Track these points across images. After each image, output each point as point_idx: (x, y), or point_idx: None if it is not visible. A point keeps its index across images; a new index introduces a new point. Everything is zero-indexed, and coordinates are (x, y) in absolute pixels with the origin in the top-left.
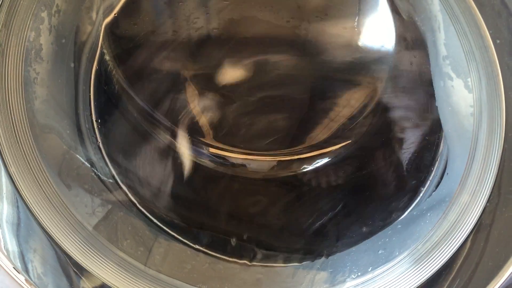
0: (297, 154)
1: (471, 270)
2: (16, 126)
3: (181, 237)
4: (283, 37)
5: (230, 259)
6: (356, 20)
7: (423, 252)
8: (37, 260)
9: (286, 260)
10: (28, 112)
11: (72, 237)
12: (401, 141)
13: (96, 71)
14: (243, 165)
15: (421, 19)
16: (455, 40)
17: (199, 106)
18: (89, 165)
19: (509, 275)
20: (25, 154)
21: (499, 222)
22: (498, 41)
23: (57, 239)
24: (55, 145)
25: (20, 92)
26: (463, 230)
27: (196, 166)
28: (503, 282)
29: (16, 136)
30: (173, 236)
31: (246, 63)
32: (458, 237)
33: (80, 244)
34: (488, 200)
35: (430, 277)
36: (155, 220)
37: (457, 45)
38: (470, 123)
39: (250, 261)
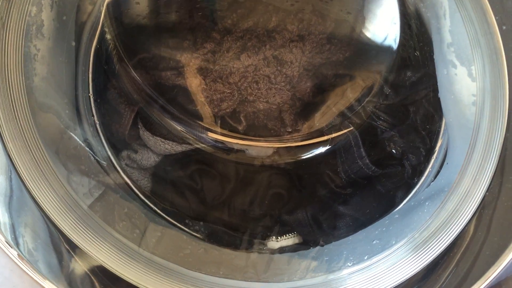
0: (296, 141)
1: (470, 259)
2: (14, 102)
3: (177, 222)
4: (286, 20)
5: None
6: (361, 5)
7: (420, 241)
8: (28, 234)
9: (281, 249)
10: (27, 89)
11: (66, 215)
12: (400, 130)
13: (97, 50)
14: (242, 151)
15: (426, 6)
16: (460, 27)
17: (199, 89)
18: (86, 146)
19: (507, 263)
20: (23, 131)
21: (498, 211)
22: (504, 27)
23: (50, 215)
24: (53, 124)
25: (20, 67)
26: (461, 220)
27: (194, 150)
28: (500, 271)
29: (14, 112)
30: (169, 221)
31: (247, 47)
32: (456, 227)
33: (74, 222)
34: (488, 190)
35: (427, 265)
36: (151, 205)
37: (462, 32)
38: (472, 112)
39: (246, 249)
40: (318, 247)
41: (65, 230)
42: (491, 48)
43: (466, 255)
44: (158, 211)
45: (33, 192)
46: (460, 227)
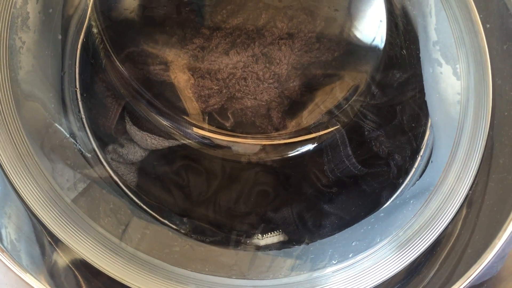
0: (283, 139)
1: (455, 259)
2: None
3: (163, 218)
4: (276, 18)
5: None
6: (348, 2)
7: (404, 239)
8: (11, 226)
9: (266, 246)
10: (12, 82)
11: (49, 208)
12: (387, 130)
13: (83, 44)
14: (229, 148)
15: (412, 3)
16: (445, 25)
17: (187, 85)
18: (73, 140)
19: (488, 263)
20: (7, 124)
21: (481, 210)
22: (488, 26)
23: (33, 208)
24: (38, 118)
25: (4, 60)
26: (445, 218)
27: (181, 146)
28: (481, 270)
29: None
30: (155, 217)
31: (237, 43)
32: (439, 225)
33: (57, 216)
34: (471, 188)
35: (412, 264)
36: (137, 201)
37: (448, 30)
38: (456, 111)
39: (232, 246)
40: (303, 245)
41: (47, 224)
42: (476, 47)
43: (451, 254)
44: (144, 207)
45: (16, 185)
46: (443, 226)
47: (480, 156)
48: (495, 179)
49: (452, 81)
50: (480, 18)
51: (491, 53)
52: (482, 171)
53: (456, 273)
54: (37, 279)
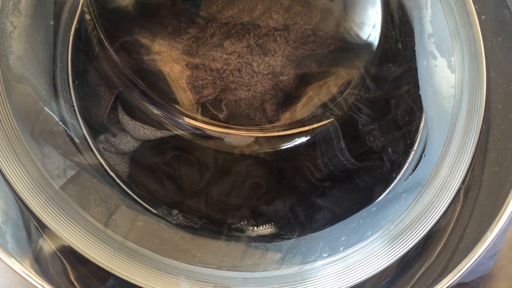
0: (277, 131)
1: (448, 254)
2: None
3: (154, 209)
4: (272, 9)
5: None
6: None
7: (395, 233)
8: None
9: (258, 239)
10: (1, 67)
11: (37, 194)
12: (381, 124)
13: (76, 31)
14: (220, 139)
15: None
16: (441, 17)
17: (181, 75)
18: (64, 126)
19: (478, 257)
20: None
21: (473, 204)
22: (483, 17)
23: (20, 193)
24: (29, 103)
25: None
26: (436, 212)
27: (173, 137)
28: (471, 264)
29: None
30: (145, 207)
31: (231, 34)
32: (430, 219)
33: (45, 202)
34: (463, 182)
35: (401, 258)
36: (128, 191)
37: (443, 22)
38: (450, 104)
39: (223, 238)
40: (294, 238)
41: (34, 210)
42: (471, 39)
43: (445, 249)
44: (135, 197)
45: (4, 170)
46: (434, 220)
47: (473, 150)
48: (488, 172)
49: (447, 74)
50: (476, 9)
51: (486, 45)
52: (475, 165)
53: (449, 268)
54: (22, 264)
